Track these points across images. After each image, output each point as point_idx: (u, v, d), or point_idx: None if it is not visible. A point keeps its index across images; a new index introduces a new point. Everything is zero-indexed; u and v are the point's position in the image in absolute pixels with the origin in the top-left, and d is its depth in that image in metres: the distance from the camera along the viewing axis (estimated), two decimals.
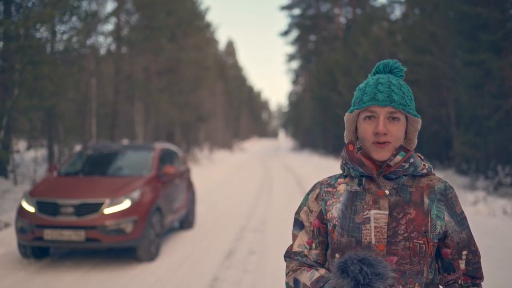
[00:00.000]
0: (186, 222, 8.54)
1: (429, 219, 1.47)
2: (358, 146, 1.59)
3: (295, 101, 63.16)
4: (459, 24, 13.79)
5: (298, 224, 1.62)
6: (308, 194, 1.63)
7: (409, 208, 1.47)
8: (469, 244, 1.53)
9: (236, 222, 9.21)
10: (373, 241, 1.44)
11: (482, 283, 1.57)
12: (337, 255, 1.49)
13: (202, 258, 6.50)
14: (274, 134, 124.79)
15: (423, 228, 1.45)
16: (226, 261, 6.32)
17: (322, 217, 1.56)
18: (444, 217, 1.49)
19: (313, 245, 1.57)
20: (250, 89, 78.61)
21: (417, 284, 1.43)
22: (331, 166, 21.68)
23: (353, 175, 1.55)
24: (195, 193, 9.20)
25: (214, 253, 6.77)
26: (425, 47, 16.84)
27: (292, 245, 1.61)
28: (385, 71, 1.57)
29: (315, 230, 1.57)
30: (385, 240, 1.44)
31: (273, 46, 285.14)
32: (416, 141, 1.58)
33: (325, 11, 45.61)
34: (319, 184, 1.62)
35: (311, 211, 1.59)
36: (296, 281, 1.54)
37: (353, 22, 38.39)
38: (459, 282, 1.53)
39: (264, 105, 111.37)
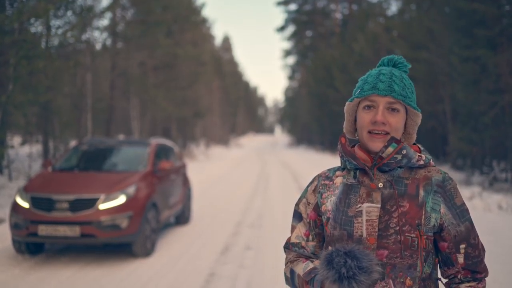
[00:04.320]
0: (182, 218, 8.52)
1: (423, 212, 1.44)
2: (357, 138, 1.58)
3: (292, 96, 63.18)
4: (455, 20, 13.80)
5: (297, 215, 1.63)
6: (308, 186, 1.65)
7: (403, 201, 1.44)
8: (468, 238, 1.48)
9: (233, 217, 9.20)
10: (364, 235, 1.43)
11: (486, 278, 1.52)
12: (330, 248, 1.48)
13: (198, 254, 6.49)
14: (270, 130, 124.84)
15: (416, 221, 1.42)
16: (222, 257, 6.30)
17: (317, 209, 1.57)
18: (439, 210, 1.46)
19: (310, 237, 1.59)
20: (246, 85, 78.54)
21: (408, 278, 1.41)
22: (327, 162, 21.69)
23: (348, 167, 1.55)
24: (191, 189, 9.19)
25: (211, 248, 6.76)
26: (421, 43, 16.85)
27: (290, 236, 1.63)
28: (389, 65, 1.57)
29: (311, 222, 1.58)
30: (376, 234, 1.42)
31: (270, 41, 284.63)
32: (415, 136, 1.57)
33: (321, 6, 45.59)
34: (318, 176, 1.63)
35: (308, 203, 1.60)
36: (292, 272, 1.57)
37: (350, 18, 38.39)
38: (459, 276, 1.50)
39: (261, 101, 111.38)
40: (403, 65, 1.56)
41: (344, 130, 1.60)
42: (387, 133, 1.46)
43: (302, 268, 1.53)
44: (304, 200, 1.62)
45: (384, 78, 1.49)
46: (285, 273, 1.61)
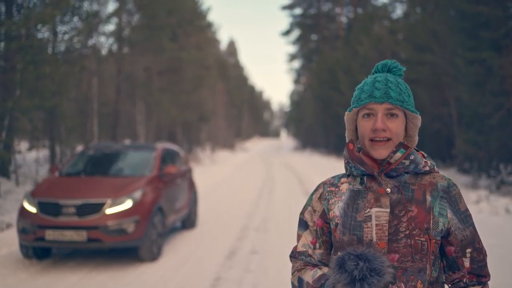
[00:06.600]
0: (188, 222, 8.53)
1: (431, 216, 1.46)
2: (359, 145, 1.60)
3: (297, 100, 63.11)
4: (460, 22, 13.77)
5: (303, 224, 1.63)
6: (312, 194, 1.65)
7: (411, 206, 1.46)
8: (473, 242, 1.52)
9: (238, 221, 9.20)
10: (374, 239, 1.45)
11: (489, 282, 1.55)
12: (339, 254, 1.49)
13: (204, 258, 6.50)
14: (276, 134, 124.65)
15: (425, 226, 1.45)
16: (228, 261, 6.31)
17: (325, 216, 1.58)
18: (446, 215, 1.49)
19: (317, 245, 1.59)
20: (251, 89, 78.55)
21: (419, 281, 1.43)
22: (332, 166, 21.67)
23: (354, 173, 1.56)
24: (197, 193, 9.20)
25: (216, 252, 6.76)
26: (426, 46, 16.81)
27: (296, 245, 1.63)
28: (384, 70, 1.59)
29: (318, 229, 1.59)
30: (386, 238, 1.44)
31: (275, 45, 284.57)
32: (417, 138, 1.58)
33: (326, 10, 45.63)
34: (323, 184, 1.64)
35: (314, 211, 1.61)
36: (300, 280, 1.56)
37: (354, 21, 38.36)
38: (464, 280, 1.52)
39: (266, 104, 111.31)
40: (398, 69, 1.58)
41: (347, 139, 1.61)
42: (389, 139, 1.48)
43: (310, 275, 1.53)
44: (309, 208, 1.62)
45: (379, 85, 1.50)
46: (292, 283, 1.61)
